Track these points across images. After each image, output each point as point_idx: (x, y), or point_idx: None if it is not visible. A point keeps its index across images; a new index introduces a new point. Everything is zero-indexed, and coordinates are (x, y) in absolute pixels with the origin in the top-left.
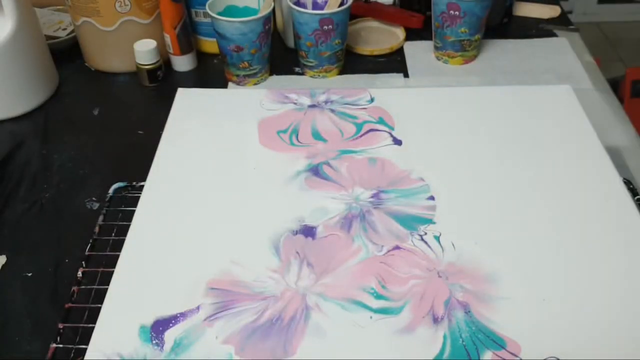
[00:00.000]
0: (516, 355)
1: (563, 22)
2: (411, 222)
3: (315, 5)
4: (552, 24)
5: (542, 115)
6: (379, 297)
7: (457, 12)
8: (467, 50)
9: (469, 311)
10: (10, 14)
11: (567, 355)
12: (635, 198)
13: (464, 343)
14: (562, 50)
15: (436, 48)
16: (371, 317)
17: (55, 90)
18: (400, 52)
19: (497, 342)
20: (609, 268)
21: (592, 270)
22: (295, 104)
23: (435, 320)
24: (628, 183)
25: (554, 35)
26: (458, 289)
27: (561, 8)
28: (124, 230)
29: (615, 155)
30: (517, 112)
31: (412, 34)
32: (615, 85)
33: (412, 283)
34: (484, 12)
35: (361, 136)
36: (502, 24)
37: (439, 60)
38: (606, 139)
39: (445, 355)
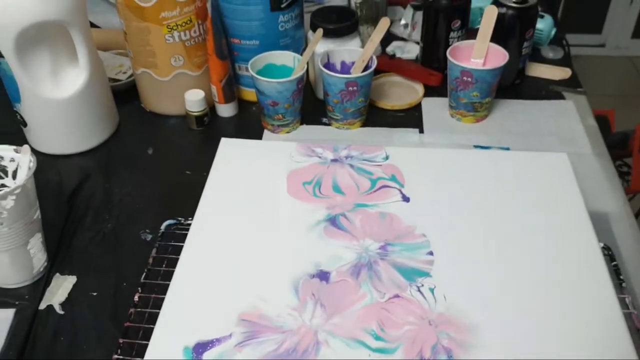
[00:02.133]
0: None
1: (572, 84)
2: (411, 274)
3: (344, 65)
4: (562, 86)
5: (538, 181)
6: (377, 338)
7: (469, 79)
8: (478, 111)
9: (451, 356)
10: (85, 66)
11: None
12: (613, 263)
13: None
14: (568, 113)
15: (450, 107)
16: (369, 355)
17: (116, 129)
18: (418, 107)
19: None
20: (576, 325)
21: (559, 328)
22: (320, 157)
23: None
24: (607, 249)
25: (562, 97)
26: (444, 336)
27: (572, 70)
28: (173, 263)
29: (602, 220)
30: (516, 177)
31: (431, 90)
32: (626, 139)
33: (407, 328)
34: (495, 78)
35: (375, 191)
36: (515, 84)
37: (452, 117)
38: (595, 203)
39: None
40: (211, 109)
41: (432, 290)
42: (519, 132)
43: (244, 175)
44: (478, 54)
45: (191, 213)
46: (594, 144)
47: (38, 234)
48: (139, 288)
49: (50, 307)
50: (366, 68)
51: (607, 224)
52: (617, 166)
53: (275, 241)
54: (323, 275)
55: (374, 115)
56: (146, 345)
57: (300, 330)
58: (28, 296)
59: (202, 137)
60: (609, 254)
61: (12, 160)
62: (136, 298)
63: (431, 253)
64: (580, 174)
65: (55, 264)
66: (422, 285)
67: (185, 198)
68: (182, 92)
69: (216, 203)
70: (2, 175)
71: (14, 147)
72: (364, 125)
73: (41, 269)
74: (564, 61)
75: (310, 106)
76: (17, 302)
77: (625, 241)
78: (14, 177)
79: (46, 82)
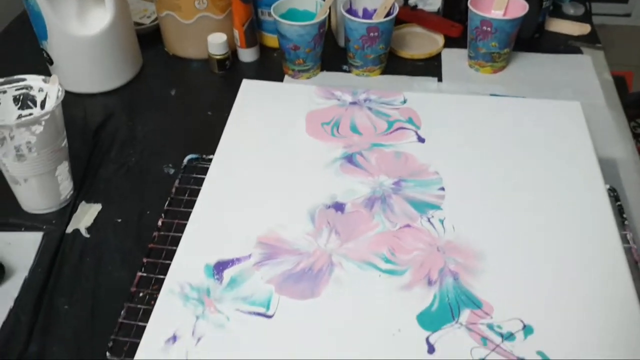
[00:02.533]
0: (488, 314)
1: (591, 39)
2: (422, 207)
3: (365, 12)
4: (581, 41)
5: (550, 127)
6: (388, 261)
7: (489, 28)
8: (496, 61)
9: (458, 279)
10: (110, 7)
11: (527, 318)
12: (617, 204)
13: (449, 302)
14: (584, 67)
15: (469, 57)
16: (380, 276)
17: (140, 71)
18: (437, 57)
19: (475, 303)
20: (577, 254)
21: (562, 257)
22: (338, 100)
23: (430, 282)
24: (613, 190)
25: (580, 52)
26: (452, 261)
27: (591, 26)
28: (195, 193)
29: (610, 166)
30: (529, 122)
31: (451, 42)
32: None
33: (415, 254)
34: (514, 29)
35: (391, 133)
36: (534, 38)
37: (471, 68)
38: (605, 151)
39: (433, 309)
40: (233, 53)
41: (441, 221)
42: (535, 83)
43: (264, 114)
44: (498, 6)
45: (212, 150)
46: (608, 96)
47: (65, 162)
48: (162, 214)
49: (76, 231)
50: (387, 15)
51: (615, 169)
52: (632, 127)
53: (293, 175)
54: (338, 206)
55: (394, 64)
56: (169, 265)
57: (316, 252)
58: (55, 221)
59: (223, 80)
60: (614, 195)
61: (41, 90)
62: (159, 223)
63: (442, 189)
64: (593, 123)
65: (81, 193)
66: (432, 217)
67: (206, 136)
68: (205, 35)
69: (237, 139)
70: (31, 105)
71: (43, 77)
72: (384, 73)
73: (67, 197)
74: (585, 18)
75: (331, 53)
76: (44, 227)
77: (632, 186)
78: (42, 107)
79: (73, 20)
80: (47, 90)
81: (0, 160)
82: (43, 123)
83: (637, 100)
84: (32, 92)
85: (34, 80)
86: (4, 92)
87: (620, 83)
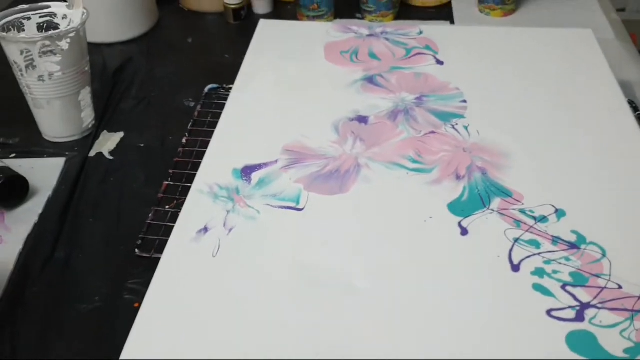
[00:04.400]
0: (519, 201)
1: None
2: (446, 117)
3: None
4: None
5: (566, 51)
6: (414, 162)
7: None
8: (506, 4)
9: (486, 173)
10: None
11: (559, 203)
12: (637, 113)
13: (479, 192)
14: (592, 8)
15: (480, 2)
16: (407, 174)
17: (156, 24)
18: (448, 4)
19: (506, 193)
20: (601, 150)
21: (588, 153)
22: (355, 33)
23: (458, 177)
24: (631, 103)
25: None
26: (478, 159)
27: None
28: (217, 116)
29: (627, 88)
30: (545, 48)
31: None
32: None
33: (442, 154)
34: None
35: (410, 57)
36: None
37: (481, 12)
38: (620, 75)
39: (464, 199)
40: (248, 7)
41: (466, 127)
42: (545, 24)
43: (282, 47)
44: None
45: (232, 83)
46: (617, 32)
47: (88, 87)
48: (186, 134)
49: (99, 155)
50: None
51: (631, 90)
52: None
53: (314, 95)
54: (362, 119)
55: (406, 11)
56: (194, 175)
57: (342, 156)
58: (77, 148)
59: (238, 30)
60: (634, 106)
61: (65, 17)
62: (184, 140)
63: (464, 101)
64: (605, 53)
65: (103, 123)
66: (457, 124)
67: (225, 74)
68: None
69: (257, 68)
70: None
71: (67, 3)
72: (396, 18)
73: (89, 126)
74: None
75: (344, 1)
76: (67, 153)
77: None
78: None
79: None
80: (71, 17)
81: (24, 81)
82: (69, 40)
83: None
84: (55, 20)
85: (57, 7)
86: (28, 18)
87: None
